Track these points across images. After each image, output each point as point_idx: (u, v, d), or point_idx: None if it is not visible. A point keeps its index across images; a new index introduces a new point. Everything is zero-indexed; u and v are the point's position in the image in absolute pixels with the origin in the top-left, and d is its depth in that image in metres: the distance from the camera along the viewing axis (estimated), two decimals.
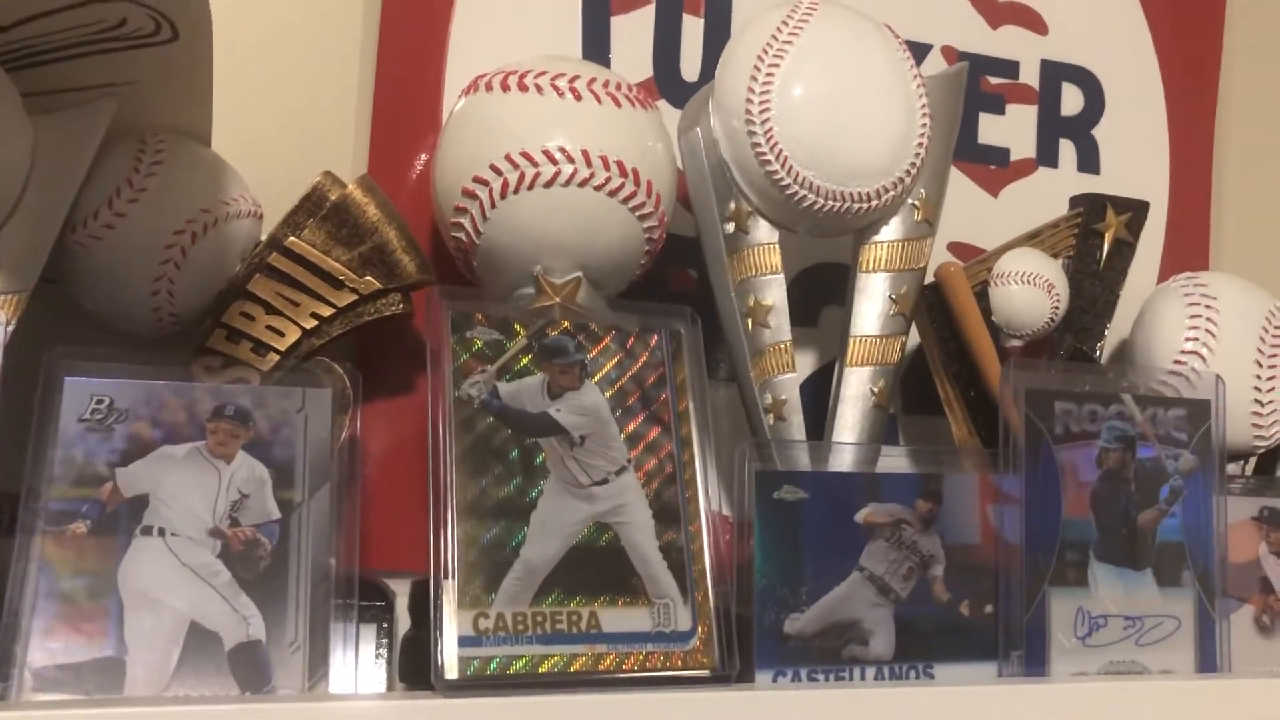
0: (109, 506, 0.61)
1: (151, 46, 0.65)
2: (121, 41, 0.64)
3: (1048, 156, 0.99)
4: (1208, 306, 0.86)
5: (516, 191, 0.70)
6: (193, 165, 0.70)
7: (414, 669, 0.67)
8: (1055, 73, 1.00)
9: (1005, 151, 0.98)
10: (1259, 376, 0.85)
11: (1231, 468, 0.85)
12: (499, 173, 0.70)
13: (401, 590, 0.70)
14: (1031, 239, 0.88)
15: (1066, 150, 1.00)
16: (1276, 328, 0.86)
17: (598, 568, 0.65)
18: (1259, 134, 1.08)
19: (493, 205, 0.70)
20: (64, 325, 0.68)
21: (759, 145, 0.73)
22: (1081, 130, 1.01)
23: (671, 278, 0.86)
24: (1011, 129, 0.99)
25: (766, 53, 0.74)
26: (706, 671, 0.65)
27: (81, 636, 0.58)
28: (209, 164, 0.71)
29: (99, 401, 0.62)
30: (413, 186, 0.81)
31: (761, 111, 0.73)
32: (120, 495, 0.61)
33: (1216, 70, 1.06)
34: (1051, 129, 1.00)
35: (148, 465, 0.62)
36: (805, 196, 0.73)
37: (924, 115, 0.76)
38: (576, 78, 0.72)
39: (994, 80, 0.98)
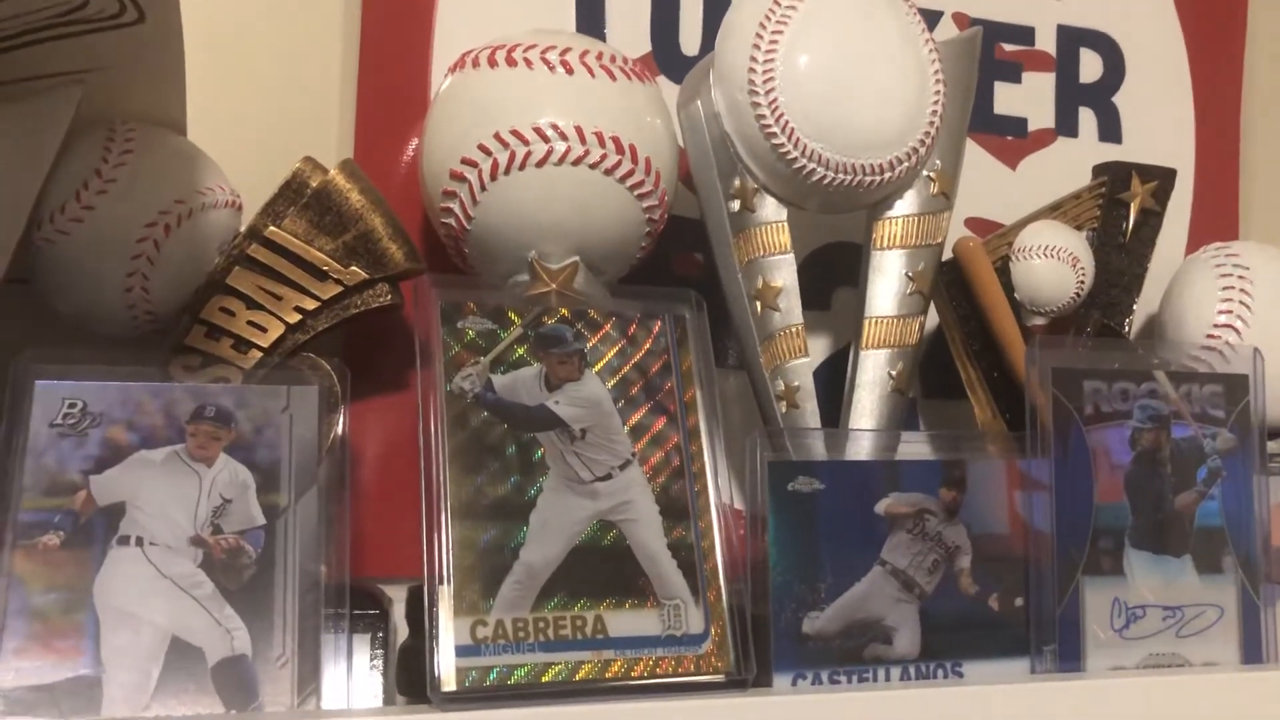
0: (83, 516, 0.58)
1: (117, 29, 0.61)
2: (84, 24, 0.61)
3: (1067, 126, 0.96)
4: (1240, 277, 0.83)
5: (508, 172, 0.67)
6: (165, 154, 0.67)
7: (412, 680, 0.64)
8: (1073, 38, 0.97)
9: (1023, 121, 0.95)
10: None
11: (1271, 446, 0.82)
12: (488, 153, 0.67)
13: (400, 597, 0.67)
14: (1053, 211, 0.85)
15: (1086, 119, 0.97)
16: None
17: (602, 568, 0.62)
18: None
19: (483, 188, 0.67)
20: (36, 328, 0.66)
21: (763, 117, 0.70)
22: (1102, 98, 0.98)
23: (676, 262, 0.84)
24: (1029, 98, 0.96)
25: (769, 19, 0.70)
26: (721, 676, 0.62)
27: (55, 655, 0.55)
28: (182, 152, 0.68)
29: (71, 405, 0.60)
30: (403, 173, 0.78)
31: (765, 81, 0.69)
32: (95, 504, 0.58)
33: (1242, 29, 1.02)
34: (1070, 97, 0.97)
35: (124, 471, 0.59)
36: (814, 170, 0.70)
37: (937, 81, 0.72)
38: (568, 50, 0.69)
39: (1009, 47, 0.95)
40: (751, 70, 0.70)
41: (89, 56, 0.63)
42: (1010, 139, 0.95)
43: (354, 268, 0.68)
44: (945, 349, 0.82)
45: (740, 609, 0.64)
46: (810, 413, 0.72)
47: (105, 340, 0.68)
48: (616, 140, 0.67)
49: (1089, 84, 0.97)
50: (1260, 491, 0.76)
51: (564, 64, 0.68)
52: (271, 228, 0.67)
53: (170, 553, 0.58)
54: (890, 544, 0.68)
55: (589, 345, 0.66)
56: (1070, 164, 0.92)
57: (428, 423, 0.62)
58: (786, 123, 0.69)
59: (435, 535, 0.60)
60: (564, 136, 0.66)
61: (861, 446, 0.72)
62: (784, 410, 0.72)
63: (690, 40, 0.86)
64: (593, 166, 0.67)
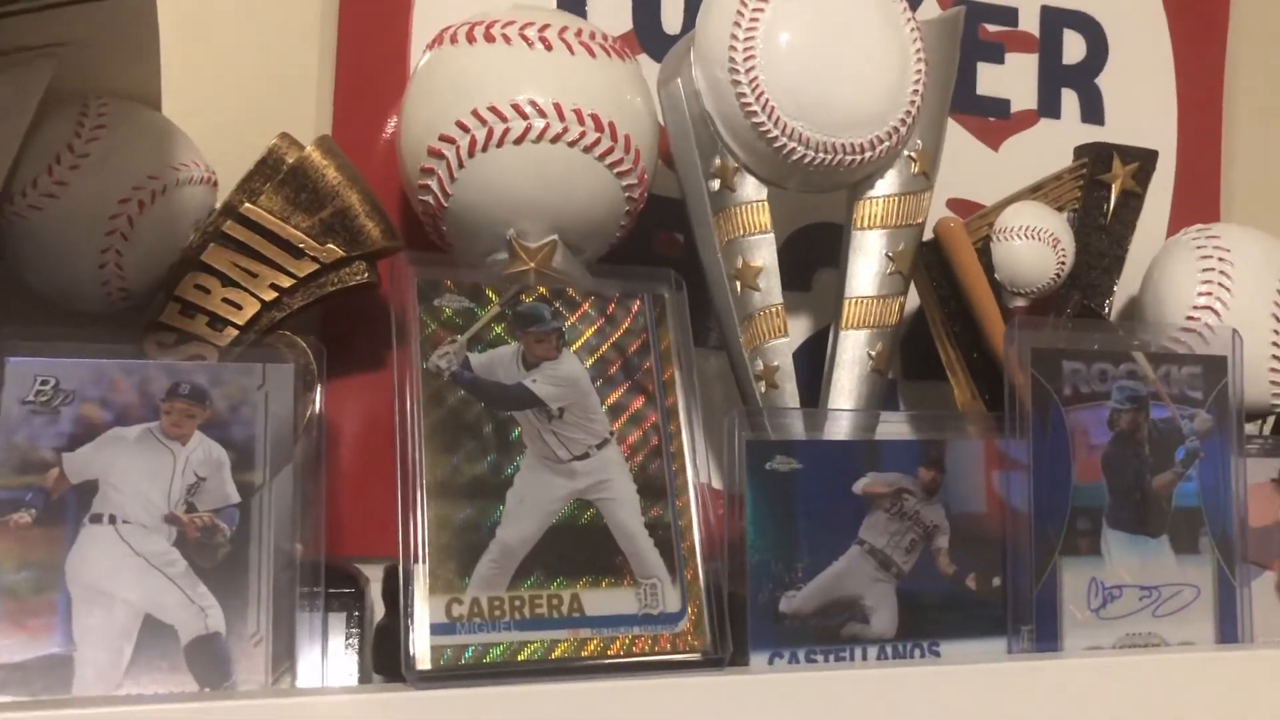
0: (55, 494, 0.57)
1: (89, 2, 0.60)
2: None
3: (1050, 107, 0.96)
4: (1220, 259, 0.83)
5: (485, 149, 0.66)
6: (139, 129, 0.66)
7: (388, 659, 0.63)
8: (1056, 19, 0.97)
9: (1005, 103, 0.95)
10: (1277, 331, 0.82)
11: (1249, 427, 0.82)
12: (466, 130, 0.66)
13: (376, 576, 0.67)
14: (1034, 192, 0.85)
15: (1069, 100, 0.97)
16: None
17: (579, 547, 0.62)
18: (1271, 78, 1.05)
19: (460, 165, 0.67)
20: (8, 305, 0.66)
21: (744, 96, 0.69)
22: (1084, 79, 0.98)
23: (657, 241, 0.83)
24: (1011, 79, 0.95)
25: None
26: (697, 655, 0.62)
27: (26, 634, 0.55)
28: (157, 128, 0.67)
29: (44, 382, 0.59)
30: (381, 150, 0.78)
31: (746, 59, 0.69)
32: (67, 481, 0.58)
33: (1225, 11, 1.02)
34: (1053, 78, 0.97)
35: (97, 449, 0.59)
36: (794, 149, 0.70)
37: (919, 60, 0.72)
38: (547, 27, 0.68)
39: (992, 28, 0.95)
40: (732, 48, 0.69)
41: (62, 30, 0.62)
42: (993, 120, 0.94)
43: (330, 245, 0.67)
44: (925, 329, 0.82)
45: (717, 588, 0.64)
46: (789, 393, 0.72)
47: (79, 317, 0.67)
48: (595, 118, 0.67)
49: (1072, 65, 0.97)
50: (1237, 472, 0.76)
51: (543, 40, 0.67)
52: (247, 204, 0.66)
53: (143, 531, 0.58)
54: (868, 523, 0.68)
55: (567, 324, 0.66)
56: (1052, 145, 0.92)
57: (404, 401, 0.61)
58: (767, 101, 0.69)
59: (411, 514, 0.59)
60: (542, 113, 0.66)
61: (840, 426, 0.72)
62: (763, 390, 0.72)
63: (672, 18, 0.85)
64: (571, 144, 0.66)
